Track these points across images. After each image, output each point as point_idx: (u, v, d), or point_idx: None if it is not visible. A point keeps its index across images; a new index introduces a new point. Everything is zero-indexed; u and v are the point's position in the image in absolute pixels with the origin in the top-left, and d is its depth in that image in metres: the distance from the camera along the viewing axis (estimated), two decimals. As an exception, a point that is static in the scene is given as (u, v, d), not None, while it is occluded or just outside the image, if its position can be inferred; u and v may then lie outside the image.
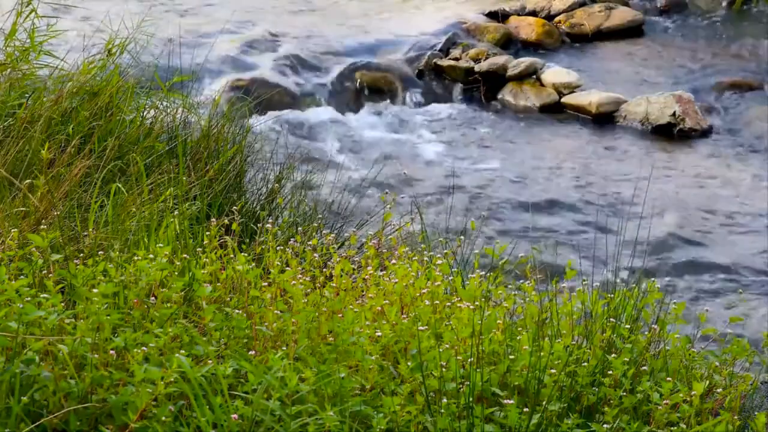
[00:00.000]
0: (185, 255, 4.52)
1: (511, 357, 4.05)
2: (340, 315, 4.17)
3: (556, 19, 11.90)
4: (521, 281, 4.73)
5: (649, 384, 4.02)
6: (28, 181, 5.17)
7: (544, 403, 3.83)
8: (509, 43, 11.51)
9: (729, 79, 10.90)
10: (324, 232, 5.88)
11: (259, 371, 3.68)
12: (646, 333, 4.42)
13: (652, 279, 4.72)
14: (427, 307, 4.34)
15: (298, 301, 4.25)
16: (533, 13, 11.94)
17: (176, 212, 5.11)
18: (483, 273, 4.73)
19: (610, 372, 4.08)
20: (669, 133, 9.90)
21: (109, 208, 5.12)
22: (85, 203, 5.27)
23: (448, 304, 4.45)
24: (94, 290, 3.93)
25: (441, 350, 3.94)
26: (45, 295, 3.88)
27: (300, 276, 4.48)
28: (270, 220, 5.39)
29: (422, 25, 11.47)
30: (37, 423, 3.57)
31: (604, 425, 3.84)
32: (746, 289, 7.42)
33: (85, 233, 4.82)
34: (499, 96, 10.63)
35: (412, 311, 4.36)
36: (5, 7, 7.47)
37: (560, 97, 10.50)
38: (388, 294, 4.45)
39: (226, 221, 5.15)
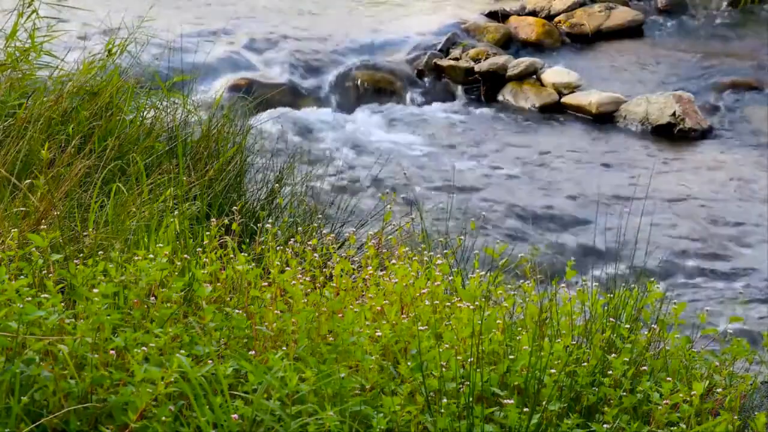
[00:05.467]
0: (185, 255, 4.52)
1: (511, 357, 4.05)
2: (340, 315, 4.17)
3: (556, 19, 11.90)
4: (521, 281, 4.73)
5: (649, 384, 4.02)
6: (28, 181, 5.16)
7: (544, 403, 3.83)
8: (509, 43, 11.51)
9: (729, 79, 10.91)
10: (324, 232, 5.88)
11: (259, 371, 3.68)
12: (646, 333, 4.42)
13: (652, 279, 4.72)
14: (427, 307, 4.34)
15: (298, 301, 4.25)
16: (533, 13, 11.95)
17: (176, 212, 5.11)
18: (483, 273, 4.72)
19: (610, 372, 4.08)
20: (669, 133, 9.90)
21: (109, 208, 5.12)
22: (85, 203, 5.27)
23: (448, 304, 4.45)
24: (94, 290, 3.93)
25: (441, 350, 3.94)
26: (45, 295, 3.88)
27: (300, 276, 4.48)
28: (270, 220, 5.39)
29: (422, 25, 11.48)
30: (37, 423, 3.57)
31: (604, 425, 3.84)
32: (746, 289, 7.42)
33: (85, 233, 4.82)
34: (499, 96, 10.63)
35: (412, 311, 4.36)
36: (6, 8, 7.48)
37: (560, 97, 10.50)
38: (388, 294, 4.45)
39: (226, 221, 5.15)
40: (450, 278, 4.69)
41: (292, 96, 10.25)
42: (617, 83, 10.77)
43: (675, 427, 3.90)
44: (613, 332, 4.30)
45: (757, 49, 11.60)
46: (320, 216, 6.11)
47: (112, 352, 3.74)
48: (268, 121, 8.94)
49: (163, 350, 3.80)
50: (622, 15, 12.00)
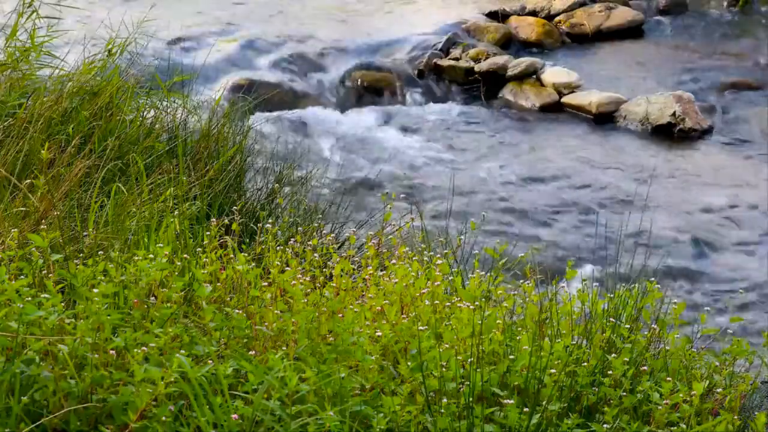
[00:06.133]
0: (185, 255, 4.52)
1: (511, 357, 4.05)
2: (340, 315, 4.17)
3: (556, 19, 11.90)
4: (521, 281, 4.73)
5: (649, 384, 4.02)
6: (28, 181, 5.17)
7: (544, 403, 3.83)
8: (509, 43, 11.51)
9: (729, 79, 10.91)
10: (324, 232, 5.88)
11: (259, 371, 3.68)
12: (646, 333, 4.42)
13: (652, 279, 4.72)
14: (427, 307, 4.34)
15: (298, 301, 4.25)
16: (533, 13, 11.95)
17: (176, 212, 5.11)
18: (483, 273, 4.72)
19: (610, 372, 4.09)
20: (669, 133, 9.90)
21: (109, 208, 5.12)
22: (85, 203, 5.27)
23: (448, 304, 4.45)
24: (94, 290, 3.93)
25: (441, 350, 3.94)
26: (45, 295, 3.88)
27: (300, 276, 4.48)
28: (270, 220, 5.39)
29: (422, 25, 11.48)
30: (37, 423, 3.57)
31: (604, 425, 3.84)
32: (746, 289, 7.42)
33: (85, 233, 4.82)
34: (499, 96, 10.63)
35: (412, 311, 4.36)
36: (7, 8, 7.47)
37: (560, 97, 10.50)
38: (388, 294, 4.45)
39: (226, 221, 5.15)
40: (450, 278, 4.69)
41: (292, 96, 10.25)
42: (617, 83, 10.77)
43: (675, 427, 3.90)
44: (613, 332, 4.30)
45: (757, 49, 11.60)
46: (320, 216, 6.12)
47: (112, 352, 3.74)
48: (268, 121, 8.94)
49: (163, 350, 3.80)
50: (622, 15, 12.00)
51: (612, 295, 4.52)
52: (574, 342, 4.23)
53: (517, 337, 4.13)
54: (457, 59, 10.91)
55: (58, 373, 3.68)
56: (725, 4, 12.50)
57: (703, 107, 10.22)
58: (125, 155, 6.01)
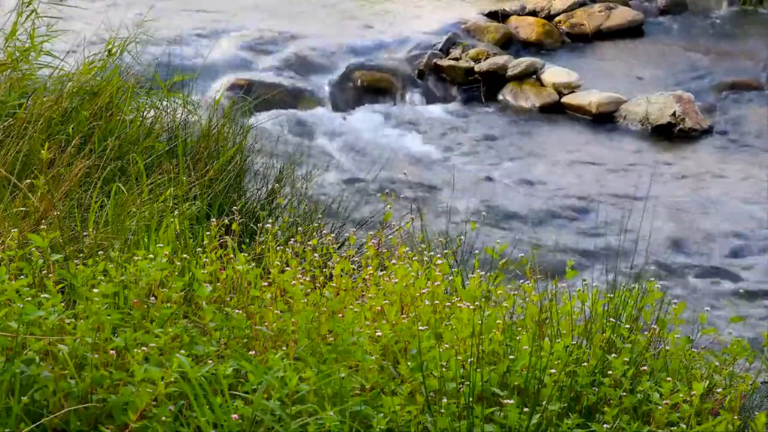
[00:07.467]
0: (185, 255, 4.52)
1: (511, 357, 4.05)
2: (340, 315, 4.17)
3: (556, 19, 11.90)
4: (521, 281, 4.73)
5: (649, 384, 4.02)
6: (28, 181, 5.17)
7: (544, 403, 3.83)
8: (509, 43, 11.51)
9: (729, 79, 10.90)
10: (324, 232, 5.88)
11: (259, 371, 3.68)
12: (646, 333, 4.42)
13: (652, 279, 4.72)
14: (427, 307, 4.34)
15: (298, 301, 4.25)
16: (533, 13, 11.94)
17: (176, 212, 5.11)
18: (483, 273, 4.72)
19: (610, 372, 4.09)
20: (669, 133, 9.90)
21: (109, 208, 5.12)
22: (85, 203, 5.27)
23: (448, 304, 4.45)
24: (94, 290, 3.93)
25: (441, 350, 3.94)
26: (45, 295, 3.88)
27: (300, 276, 4.48)
28: (270, 220, 5.39)
29: (422, 25, 11.48)
30: (37, 423, 3.57)
31: (604, 425, 3.84)
32: (746, 289, 7.42)
33: (85, 233, 4.82)
34: (499, 96, 10.63)
35: (412, 311, 4.36)
36: (6, 8, 7.47)
37: (560, 97, 10.50)
38: (388, 294, 4.45)
39: (226, 221, 5.15)
40: (450, 278, 4.69)
41: (292, 96, 10.25)
42: (617, 83, 10.77)
43: (675, 427, 3.90)
44: (613, 332, 4.30)
45: (757, 49, 11.60)
46: (320, 216, 6.12)
47: (112, 352, 3.74)
48: (268, 121, 8.94)
49: (163, 350, 3.80)
50: (622, 15, 12.00)
51: (612, 295, 4.52)
52: (574, 342, 4.23)
53: (517, 337, 4.13)
54: (457, 59, 10.91)
55: (58, 373, 3.68)
56: (725, 4, 12.50)
57: (703, 107, 10.23)
58: (125, 155, 6.01)
